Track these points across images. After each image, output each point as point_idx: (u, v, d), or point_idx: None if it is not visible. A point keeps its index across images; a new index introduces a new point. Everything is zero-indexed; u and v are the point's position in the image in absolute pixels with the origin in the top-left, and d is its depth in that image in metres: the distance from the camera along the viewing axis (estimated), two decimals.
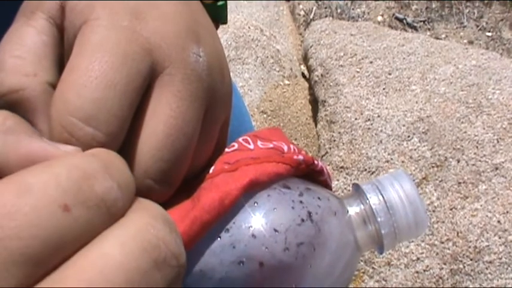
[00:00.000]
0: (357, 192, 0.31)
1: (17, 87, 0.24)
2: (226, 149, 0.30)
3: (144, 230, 0.20)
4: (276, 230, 0.26)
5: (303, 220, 0.27)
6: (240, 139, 0.31)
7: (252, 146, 0.30)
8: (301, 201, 0.28)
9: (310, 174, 0.31)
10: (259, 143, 0.30)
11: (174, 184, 0.26)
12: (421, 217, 0.30)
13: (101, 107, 0.23)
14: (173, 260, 0.20)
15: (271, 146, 0.30)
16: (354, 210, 0.30)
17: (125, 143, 0.24)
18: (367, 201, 0.30)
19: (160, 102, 0.25)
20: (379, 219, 0.30)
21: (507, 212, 1.37)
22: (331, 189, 0.33)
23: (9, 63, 0.25)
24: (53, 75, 0.25)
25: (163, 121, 0.25)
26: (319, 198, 0.29)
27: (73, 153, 0.22)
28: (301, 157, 0.30)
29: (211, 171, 0.28)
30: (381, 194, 0.30)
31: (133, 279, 0.18)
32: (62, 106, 0.23)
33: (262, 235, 0.26)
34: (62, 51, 0.27)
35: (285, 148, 0.31)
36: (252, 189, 0.27)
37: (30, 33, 0.26)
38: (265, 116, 1.79)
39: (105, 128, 0.23)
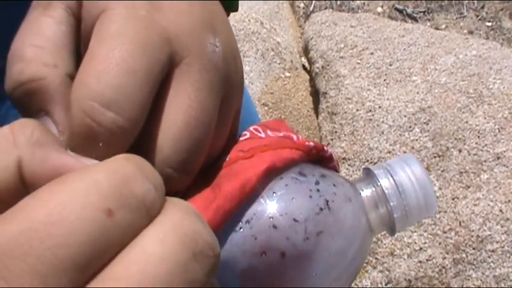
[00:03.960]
0: (368, 175, 0.32)
1: (37, 76, 0.24)
2: (239, 138, 0.30)
3: (180, 224, 0.20)
4: (296, 220, 0.27)
5: (321, 209, 0.28)
6: (251, 128, 0.31)
7: (263, 135, 0.30)
8: (318, 190, 0.28)
9: (320, 160, 0.32)
10: (269, 132, 0.31)
11: (192, 172, 0.26)
12: (431, 199, 0.31)
13: (122, 93, 0.23)
14: (209, 251, 0.21)
15: (281, 135, 0.31)
16: (365, 193, 0.31)
17: (144, 132, 0.25)
18: (379, 185, 0.31)
19: (179, 92, 0.25)
20: (391, 202, 0.30)
21: (509, 200, 1.37)
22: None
23: (30, 53, 0.25)
24: (71, 66, 0.26)
25: (182, 111, 0.25)
26: (334, 185, 0.29)
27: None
28: (311, 143, 0.30)
29: (227, 159, 0.29)
30: (392, 178, 0.31)
31: (175, 272, 0.19)
32: (82, 92, 0.23)
33: (282, 226, 0.27)
34: (78, 41, 0.27)
35: (294, 137, 0.31)
36: (269, 175, 0.28)
37: (49, 23, 0.26)
38: (266, 108, 1.79)
39: (126, 113, 0.23)
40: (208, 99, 0.26)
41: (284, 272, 0.27)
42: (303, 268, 0.27)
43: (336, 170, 0.33)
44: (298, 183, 0.28)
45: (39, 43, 0.25)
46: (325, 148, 0.31)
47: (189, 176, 0.26)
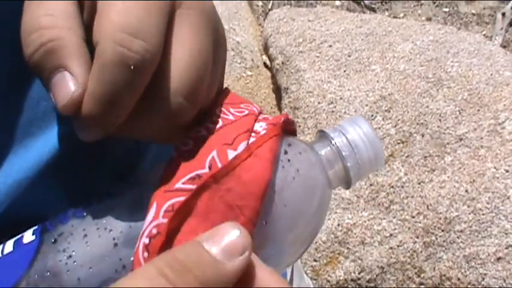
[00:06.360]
0: (323, 137, 0.35)
1: (55, 36, 0.27)
2: (210, 125, 0.32)
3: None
4: (274, 191, 0.30)
5: (293, 178, 0.30)
6: (217, 111, 0.33)
7: (231, 117, 0.32)
8: (288, 160, 0.31)
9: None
10: (232, 110, 0.33)
11: (198, 103, 0.30)
12: (380, 153, 0.34)
13: (145, 24, 0.27)
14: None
15: (246, 112, 0.33)
16: (322, 153, 0.34)
17: (157, 68, 0.28)
18: (334, 144, 0.34)
19: (183, 31, 0.30)
20: (345, 157, 0.34)
21: (473, 180, 1.39)
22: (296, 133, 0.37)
23: (45, 21, 0.28)
24: (82, 31, 0.29)
25: (188, 47, 0.29)
26: (300, 152, 0.32)
27: None
28: (282, 118, 0.33)
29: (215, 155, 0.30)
30: (344, 136, 0.34)
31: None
32: (110, 25, 0.27)
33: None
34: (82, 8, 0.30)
35: (255, 109, 0.34)
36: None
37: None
38: None
39: (151, 39, 0.27)
40: (206, 38, 0.30)
41: (264, 236, 0.30)
42: (277, 230, 0.30)
43: (295, 133, 0.36)
44: None
45: (52, 12, 0.28)
46: (288, 117, 0.34)
47: (195, 107, 0.30)
